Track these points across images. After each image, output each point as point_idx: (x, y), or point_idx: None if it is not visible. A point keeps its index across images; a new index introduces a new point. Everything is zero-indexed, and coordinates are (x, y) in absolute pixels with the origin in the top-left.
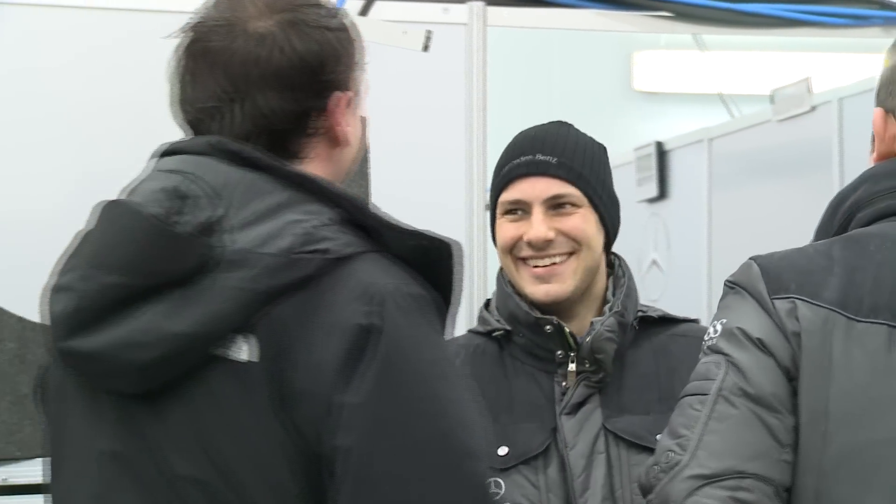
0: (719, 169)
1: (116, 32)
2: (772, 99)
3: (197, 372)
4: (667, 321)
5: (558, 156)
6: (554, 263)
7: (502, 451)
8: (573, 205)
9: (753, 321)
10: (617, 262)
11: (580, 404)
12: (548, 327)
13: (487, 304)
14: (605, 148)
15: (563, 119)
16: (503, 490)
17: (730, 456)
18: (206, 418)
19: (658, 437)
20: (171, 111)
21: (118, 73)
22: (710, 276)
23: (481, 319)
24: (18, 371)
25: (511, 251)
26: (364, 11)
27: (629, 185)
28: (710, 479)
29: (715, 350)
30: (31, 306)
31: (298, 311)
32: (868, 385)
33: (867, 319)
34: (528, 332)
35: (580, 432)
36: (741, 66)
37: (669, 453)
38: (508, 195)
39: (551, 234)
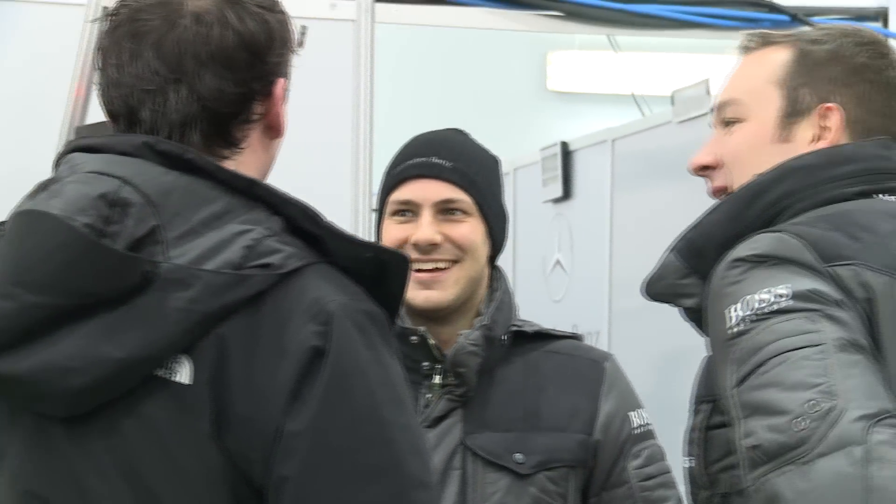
0: (622, 169)
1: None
2: (672, 100)
3: (128, 393)
4: (543, 337)
5: (453, 161)
6: (438, 269)
7: None
8: (463, 212)
9: (819, 284)
10: (496, 276)
11: (441, 418)
12: (413, 338)
13: None
14: (498, 160)
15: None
16: None
17: (877, 397)
18: (132, 441)
19: (518, 455)
20: (98, 96)
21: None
22: (610, 277)
23: None
24: None
25: None
26: None
27: (535, 186)
28: (874, 418)
29: (790, 310)
30: None
31: (244, 331)
32: None
33: None
34: (397, 341)
35: (438, 447)
36: (651, 67)
37: (812, 402)
38: (399, 195)
39: (438, 238)
